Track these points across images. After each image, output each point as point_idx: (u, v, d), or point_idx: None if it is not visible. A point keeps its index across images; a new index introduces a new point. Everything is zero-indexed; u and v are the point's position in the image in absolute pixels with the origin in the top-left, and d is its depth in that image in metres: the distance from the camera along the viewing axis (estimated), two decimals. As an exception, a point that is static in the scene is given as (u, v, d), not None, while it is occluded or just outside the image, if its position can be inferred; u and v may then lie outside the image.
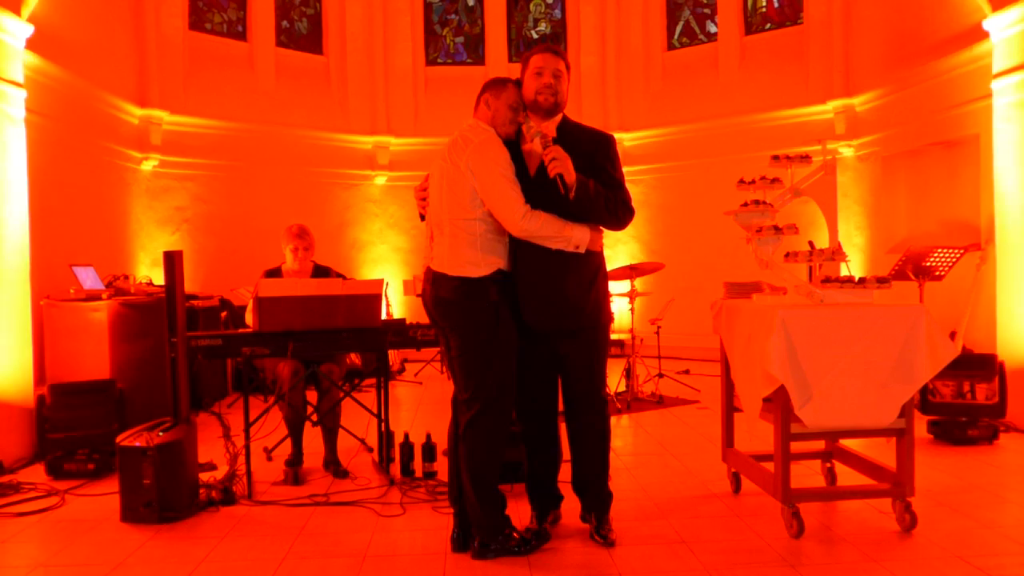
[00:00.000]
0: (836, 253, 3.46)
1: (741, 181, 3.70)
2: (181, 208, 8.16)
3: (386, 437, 4.32)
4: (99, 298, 5.10)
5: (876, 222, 7.65)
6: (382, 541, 3.30)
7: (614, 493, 3.33)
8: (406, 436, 4.30)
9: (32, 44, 5.03)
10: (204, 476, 3.95)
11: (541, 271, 3.05)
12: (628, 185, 3.23)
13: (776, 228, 3.41)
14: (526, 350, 3.14)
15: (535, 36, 10.04)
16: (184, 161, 8.08)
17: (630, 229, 8.75)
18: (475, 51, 10.06)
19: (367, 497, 3.88)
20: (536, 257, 3.05)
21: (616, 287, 5.99)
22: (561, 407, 3.29)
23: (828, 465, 3.91)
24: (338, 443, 4.42)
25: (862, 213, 7.87)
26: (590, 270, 3.12)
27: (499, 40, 9.96)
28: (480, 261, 3.02)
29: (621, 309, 7.43)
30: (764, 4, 9.07)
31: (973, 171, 6.16)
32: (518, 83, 3.17)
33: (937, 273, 5.60)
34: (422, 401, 6.81)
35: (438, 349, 7.67)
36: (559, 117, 3.17)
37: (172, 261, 3.78)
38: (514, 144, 3.14)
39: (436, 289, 3.09)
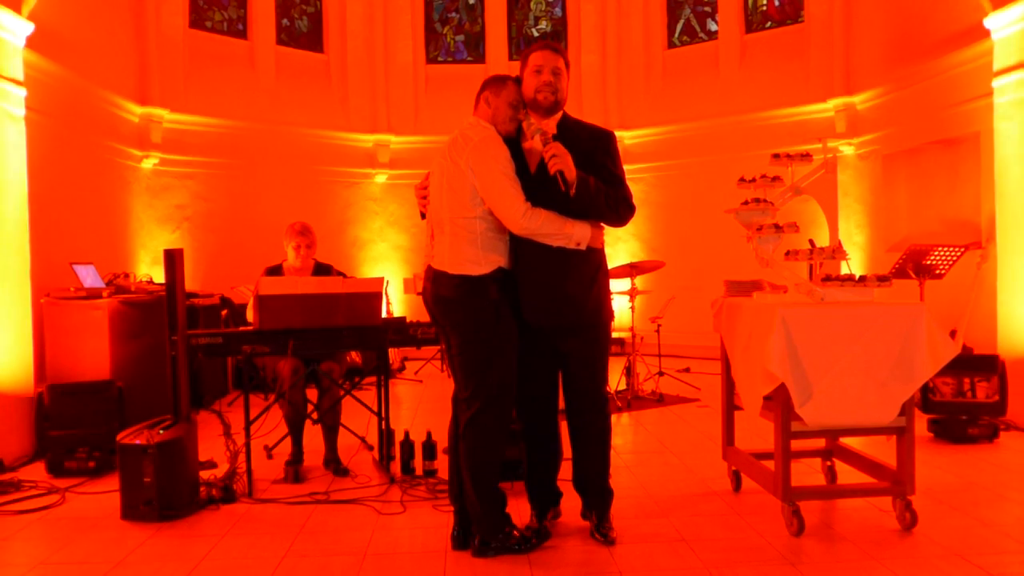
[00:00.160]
0: (836, 251, 3.45)
1: (742, 179, 3.69)
2: (181, 206, 8.16)
3: (386, 435, 4.32)
4: (99, 296, 5.10)
5: (876, 220, 7.65)
6: (382, 539, 3.30)
7: (614, 491, 3.33)
8: (406, 434, 4.30)
9: (32, 42, 5.03)
10: (204, 474, 3.95)
11: (542, 269, 3.05)
12: (629, 183, 3.22)
13: (777, 226, 3.41)
14: (527, 348, 3.13)
15: (535, 34, 10.03)
16: (184, 159, 8.08)
17: (630, 227, 8.78)
18: (475, 49, 10.05)
19: (367, 495, 3.88)
20: (537, 255, 3.04)
21: (616, 285, 5.98)
22: (562, 405, 3.28)
23: (828, 463, 3.91)
24: (338, 441, 4.43)
25: (862, 211, 7.86)
26: (591, 268, 3.12)
27: (500, 38, 9.95)
28: (481, 259, 3.02)
29: (621, 307, 7.43)
30: (765, 2, 9.06)
31: (974, 169, 6.15)
32: (518, 81, 3.16)
33: (938, 271, 5.60)
34: (422, 399, 6.81)
35: (438, 347, 7.71)
36: (559, 114, 3.17)
37: (172, 259, 3.78)
38: (514, 142, 3.13)
39: (437, 287, 3.09)
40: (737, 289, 3.88)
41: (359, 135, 9.42)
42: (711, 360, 7.38)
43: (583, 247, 3.06)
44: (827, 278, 3.39)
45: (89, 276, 5.31)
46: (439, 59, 10.00)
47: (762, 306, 3.32)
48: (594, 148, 3.12)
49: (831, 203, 7.96)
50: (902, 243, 6.60)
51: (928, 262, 5.58)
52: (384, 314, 4.26)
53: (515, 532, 3.10)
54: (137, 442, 3.60)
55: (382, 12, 9.51)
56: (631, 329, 6.51)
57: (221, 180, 8.39)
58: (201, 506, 3.73)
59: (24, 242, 4.86)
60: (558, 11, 10.02)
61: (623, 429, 5.41)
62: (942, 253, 5.58)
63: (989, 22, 5.34)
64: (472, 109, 3.19)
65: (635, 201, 3.19)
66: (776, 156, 3.64)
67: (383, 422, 4.35)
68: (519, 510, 3.41)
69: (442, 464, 4.11)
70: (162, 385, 4.93)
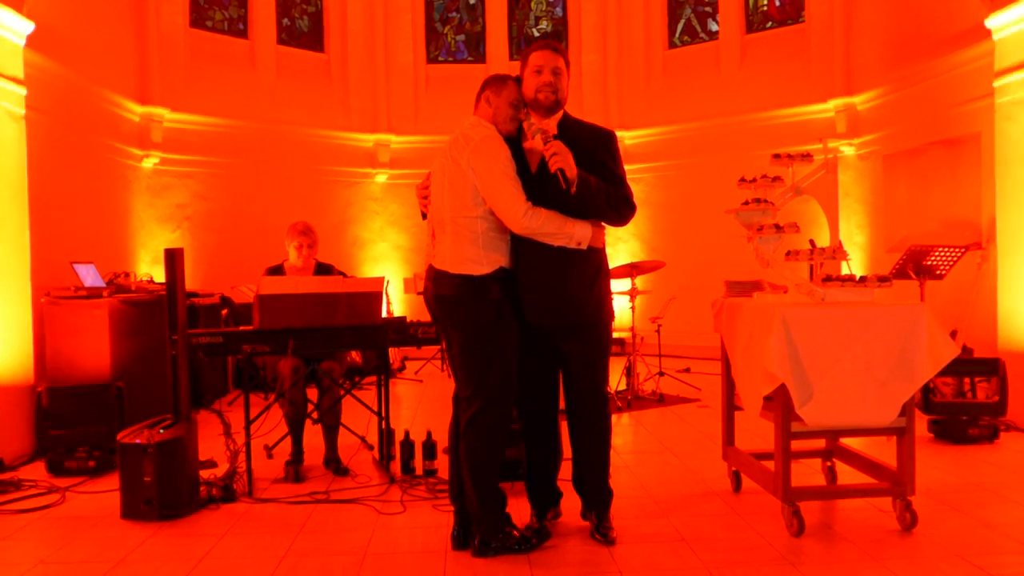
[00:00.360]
0: (837, 251, 3.45)
1: (742, 179, 3.69)
2: (182, 205, 8.16)
3: (386, 435, 4.32)
4: (100, 295, 5.10)
5: (877, 221, 7.65)
6: (382, 539, 3.30)
7: (614, 491, 3.33)
8: (406, 434, 4.29)
9: (33, 41, 5.03)
10: (205, 473, 3.95)
11: (543, 268, 3.05)
12: (629, 183, 3.22)
13: (777, 226, 3.41)
14: (527, 348, 3.13)
15: (536, 34, 10.03)
16: (185, 159, 8.08)
17: (631, 227, 8.79)
18: (476, 49, 10.05)
19: (367, 495, 3.88)
20: (538, 254, 3.04)
21: (617, 285, 5.98)
22: (562, 405, 3.28)
23: (828, 464, 3.91)
24: (338, 441, 4.42)
25: (863, 212, 7.86)
26: (592, 267, 3.12)
27: (500, 38, 9.95)
28: (482, 259, 3.02)
29: (622, 307, 7.42)
30: (765, 2, 9.06)
31: (974, 170, 6.15)
32: (518, 80, 3.16)
33: (938, 272, 5.60)
34: (422, 399, 6.81)
35: (439, 347, 7.71)
36: (560, 114, 3.17)
37: (173, 258, 3.78)
38: (515, 141, 3.13)
39: (438, 287, 3.09)
40: (737, 289, 3.88)
41: (359, 135, 9.42)
42: (711, 360, 7.38)
43: (584, 247, 3.05)
44: (827, 278, 3.39)
45: (89, 275, 5.31)
46: (440, 59, 10.00)
47: (762, 306, 3.32)
48: (595, 147, 3.12)
49: (832, 203, 7.96)
50: (902, 243, 6.60)
51: (928, 262, 5.58)
52: (384, 314, 4.26)
53: (515, 532, 3.10)
54: (137, 441, 3.60)
55: (383, 12, 9.51)
56: (631, 329, 6.51)
57: (221, 179, 8.40)
58: (201, 505, 3.73)
59: (24, 241, 4.86)
60: (559, 11, 10.02)
61: (623, 429, 5.41)
62: (942, 253, 5.58)
63: (990, 22, 5.34)
64: (473, 109, 3.19)
65: (636, 201, 3.18)
66: (777, 156, 3.64)
67: (383, 422, 4.35)
68: (519, 510, 3.41)
69: (442, 464, 4.11)
70: (162, 384, 4.94)
